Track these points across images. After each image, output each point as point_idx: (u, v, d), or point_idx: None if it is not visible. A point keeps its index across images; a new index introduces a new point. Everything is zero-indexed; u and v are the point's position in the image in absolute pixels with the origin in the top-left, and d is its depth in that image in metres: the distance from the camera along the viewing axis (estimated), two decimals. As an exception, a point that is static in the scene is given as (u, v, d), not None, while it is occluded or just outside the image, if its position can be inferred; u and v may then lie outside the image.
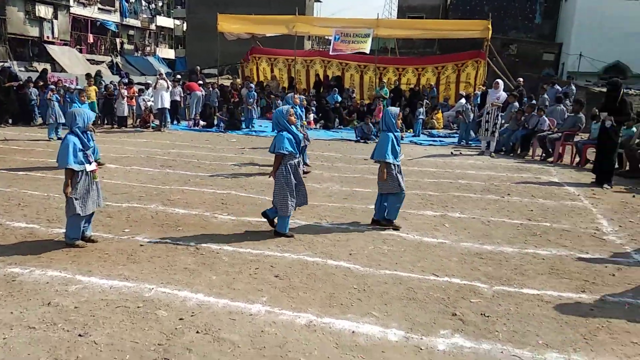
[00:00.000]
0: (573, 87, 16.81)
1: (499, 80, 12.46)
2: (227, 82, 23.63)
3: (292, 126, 5.72)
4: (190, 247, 5.32)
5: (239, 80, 21.14)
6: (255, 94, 16.78)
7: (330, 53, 18.70)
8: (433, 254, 5.29)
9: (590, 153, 10.43)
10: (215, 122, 16.32)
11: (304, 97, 10.98)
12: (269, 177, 5.89)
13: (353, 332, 3.69)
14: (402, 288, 4.44)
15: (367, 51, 17.95)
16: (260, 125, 16.60)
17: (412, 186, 8.42)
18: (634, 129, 10.18)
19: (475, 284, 4.57)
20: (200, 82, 18.71)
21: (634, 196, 8.07)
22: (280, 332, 3.66)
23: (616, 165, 9.45)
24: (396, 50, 24.56)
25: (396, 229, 6.04)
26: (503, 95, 12.12)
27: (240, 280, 4.54)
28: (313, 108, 17.26)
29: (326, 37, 28.60)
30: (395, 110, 6.18)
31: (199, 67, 21.94)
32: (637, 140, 10.00)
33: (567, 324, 3.86)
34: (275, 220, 5.85)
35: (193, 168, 9.67)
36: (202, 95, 17.57)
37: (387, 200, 6.08)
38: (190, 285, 4.38)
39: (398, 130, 6.08)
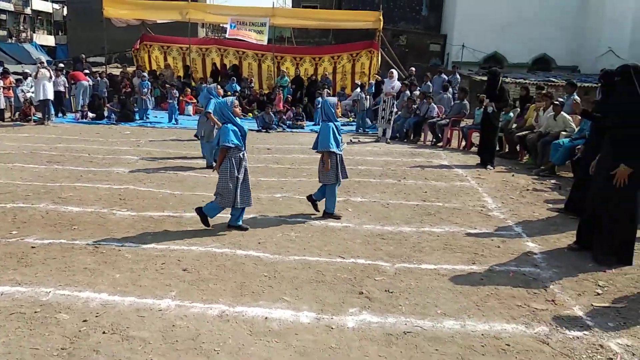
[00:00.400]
0: (458, 76, 18.02)
1: (394, 71, 13.05)
2: (116, 71, 22.36)
3: (237, 118, 5.52)
4: (89, 246, 5.04)
5: (130, 69, 20.06)
6: (149, 83, 16.07)
7: (227, 36, 18.43)
8: (338, 237, 5.49)
9: (475, 137, 11.31)
10: (106, 113, 15.40)
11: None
12: (213, 171, 5.68)
13: (266, 318, 3.75)
14: (311, 272, 4.57)
15: (265, 42, 17.94)
16: (156, 117, 15.97)
17: (315, 174, 8.60)
18: (511, 114, 11.19)
19: (379, 263, 4.82)
20: (87, 71, 17.56)
21: (513, 175, 8.91)
22: (192, 324, 3.63)
23: (497, 148, 10.35)
24: (292, 40, 24.72)
25: (337, 218, 6.12)
26: (397, 84, 12.73)
27: (146, 276, 4.40)
28: (211, 98, 16.91)
29: (221, 25, 28.02)
30: (333, 100, 6.25)
31: (84, 56, 20.52)
32: (514, 125, 11.01)
33: (461, 294, 4.22)
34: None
35: (84, 163, 9.10)
36: (89, 85, 16.50)
37: (324, 192, 6.16)
38: (92, 286, 4.18)
39: (338, 119, 6.15)
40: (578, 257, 5.06)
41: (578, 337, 3.57)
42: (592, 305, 4.07)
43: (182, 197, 6.94)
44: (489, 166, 9.41)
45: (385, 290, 4.24)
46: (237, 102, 5.60)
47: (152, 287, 4.20)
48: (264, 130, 13.88)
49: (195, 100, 17.33)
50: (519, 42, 25.65)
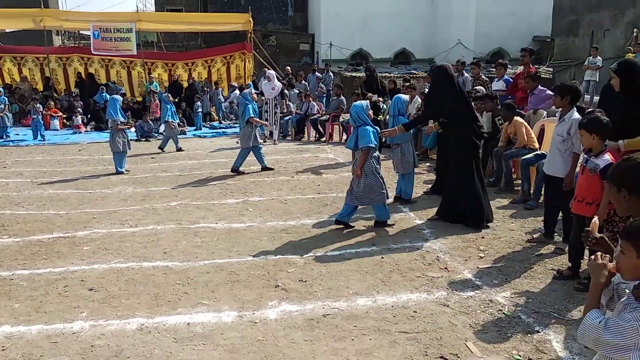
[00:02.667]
0: (331, 74, 18.80)
1: (271, 73, 13.23)
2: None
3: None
4: (-26, 280, 4.61)
5: (-22, 85, 18.00)
6: (5, 99, 14.62)
7: (93, 52, 17.36)
8: (245, 237, 5.59)
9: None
10: (-44, 135, 13.76)
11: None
12: (355, 175, 5.59)
13: (188, 323, 3.77)
14: (224, 273, 4.64)
15: (135, 52, 17.22)
16: (17, 134, 14.60)
17: (210, 178, 8.60)
18: (384, 106, 12.00)
19: (288, 256, 5.03)
20: None
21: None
22: (112, 342, 3.54)
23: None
24: (161, 45, 23.89)
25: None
26: (278, 85, 12.94)
27: (49, 302, 4.16)
28: (80, 110, 15.89)
29: (80, 32, 26.19)
30: (406, 97, 6.76)
31: None
32: (388, 116, 11.83)
33: (367, 273, 4.58)
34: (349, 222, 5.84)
35: (-57, 192, 8.12)
36: None
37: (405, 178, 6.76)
38: (-10, 320, 3.87)
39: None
40: (459, 228, 5.70)
41: (471, 296, 4.09)
42: (477, 267, 4.65)
43: (69, 216, 6.55)
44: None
45: (299, 280, 4.46)
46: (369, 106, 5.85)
47: (59, 311, 3.99)
48: (144, 139, 13.37)
49: (61, 113, 16.15)
50: (380, 39, 27.31)
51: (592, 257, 2.03)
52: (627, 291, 1.94)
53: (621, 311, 1.90)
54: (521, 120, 7.07)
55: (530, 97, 8.07)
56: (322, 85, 16.79)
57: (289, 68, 17.94)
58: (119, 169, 9.11)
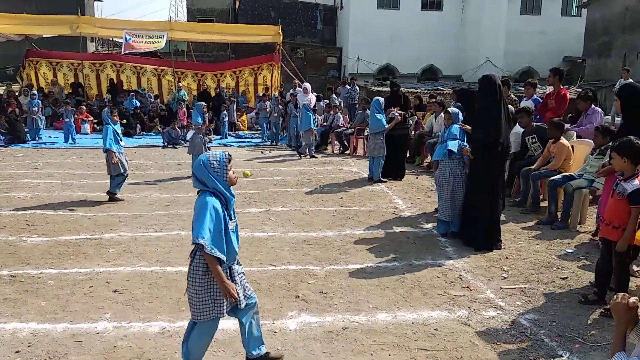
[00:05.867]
0: (357, 88, 18.84)
1: (307, 85, 13.31)
2: (-2, 90, 20.58)
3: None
4: (4, 276, 4.74)
5: (15, 87, 18.59)
6: (40, 102, 15.05)
7: (123, 52, 17.77)
8: (266, 246, 5.63)
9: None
10: (-8, 135, 14.17)
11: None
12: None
13: (209, 329, 3.80)
14: (245, 281, 4.67)
15: (162, 45, 17.53)
16: (49, 137, 14.97)
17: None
18: (410, 121, 11.98)
19: (309, 267, 5.04)
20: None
21: (417, 177, 9.58)
22: (134, 344, 3.60)
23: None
24: (191, 54, 24.32)
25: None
26: (313, 98, 13.02)
27: (74, 301, 4.25)
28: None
29: (114, 40, 26.86)
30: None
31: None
32: (413, 131, 11.80)
33: (388, 288, 4.56)
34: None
35: (-23, 190, 8.38)
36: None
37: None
38: (17, 316, 3.97)
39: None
40: (483, 247, 5.63)
41: (493, 317, 4.03)
42: (500, 288, 4.59)
43: (96, 219, 6.69)
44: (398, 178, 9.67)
45: (320, 292, 4.46)
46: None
47: (84, 311, 4.08)
48: (171, 146, 13.58)
49: (92, 118, 16.53)
50: (408, 54, 27.33)
51: (614, 297, 1.97)
52: None
53: None
54: (567, 144, 6.86)
55: (584, 117, 7.62)
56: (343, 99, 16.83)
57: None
58: (113, 190, 7.70)
